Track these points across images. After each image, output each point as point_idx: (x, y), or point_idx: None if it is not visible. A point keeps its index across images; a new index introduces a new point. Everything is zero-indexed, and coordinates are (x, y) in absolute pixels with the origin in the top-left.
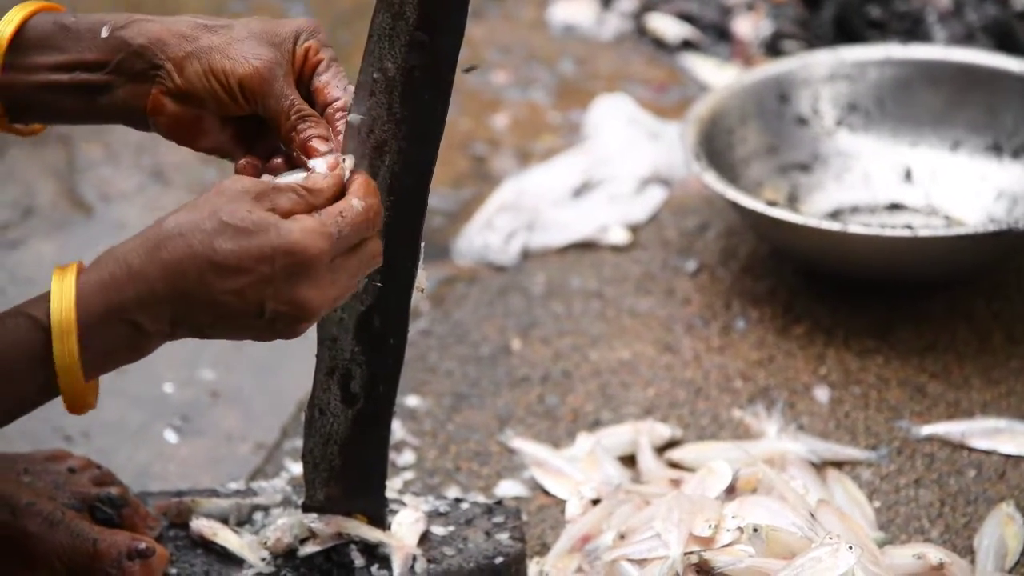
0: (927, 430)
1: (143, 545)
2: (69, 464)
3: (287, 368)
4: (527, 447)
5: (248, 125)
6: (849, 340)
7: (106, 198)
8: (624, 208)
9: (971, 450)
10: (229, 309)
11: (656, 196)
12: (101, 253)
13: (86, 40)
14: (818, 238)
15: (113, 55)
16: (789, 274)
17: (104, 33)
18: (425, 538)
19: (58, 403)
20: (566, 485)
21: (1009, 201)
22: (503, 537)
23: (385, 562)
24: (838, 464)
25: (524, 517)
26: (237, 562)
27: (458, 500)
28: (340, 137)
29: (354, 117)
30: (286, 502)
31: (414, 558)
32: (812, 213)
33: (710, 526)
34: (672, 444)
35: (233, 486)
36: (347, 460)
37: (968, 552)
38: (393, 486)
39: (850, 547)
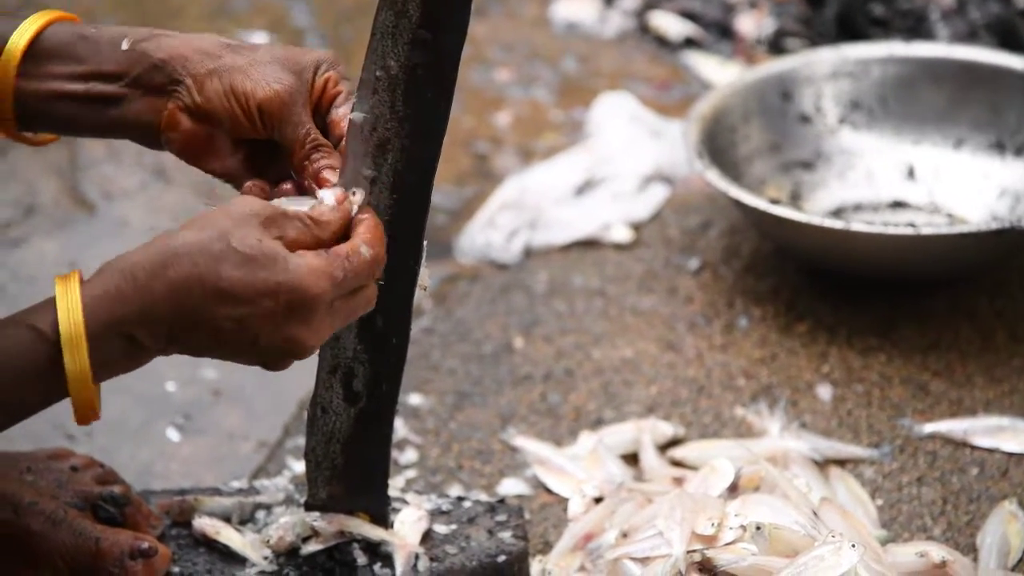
0: (930, 428)
1: (145, 544)
2: (72, 463)
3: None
4: (529, 445)
5: (259, 151)
6: (852, 338)
7: (108, 196)
8: (626, 206)
9: (974, 448)
10: (225, 335)
11: (658, 194)
12: (105, 263)
13: (105, 51)
14: (821, 236)
15: (132, 68)
16: (792, 272)
17: (124, 45)
18: (427, 536)
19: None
20: (569, 483)
21: (1012, 199)
22: (505, 535)
23: (387, 560)
24: (841, 462)
25: (527, 515)
26: (239, 561)
27: (460, 498)
28: None
29: (357, 115)
30: (288, 500)
31: (416, 556)
32: (815, 211)
33: (713, 524)
34: (674, 442)
35: (235, 484)
36: (349, 458)
37: (971, 550)
38: (395, 484)
39: (853, 545)
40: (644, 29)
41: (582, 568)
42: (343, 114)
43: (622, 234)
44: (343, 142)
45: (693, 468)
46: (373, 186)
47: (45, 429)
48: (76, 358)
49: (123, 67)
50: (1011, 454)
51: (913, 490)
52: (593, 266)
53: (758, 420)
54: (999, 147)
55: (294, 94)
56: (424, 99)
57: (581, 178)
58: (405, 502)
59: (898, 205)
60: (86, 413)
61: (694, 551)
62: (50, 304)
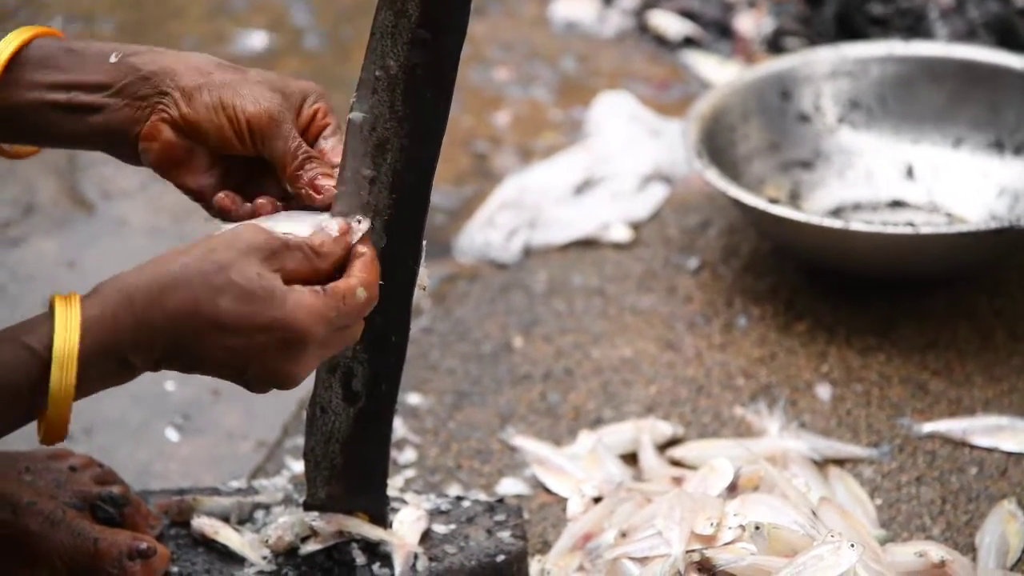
0: (929, 427)
1: (144, 544)
2: (70, 463)
3: None
4: (529, 445)
5: (233, 170)
6: (851, 337)
7: (107, 196)
8: (626, 205)
9: (973, 447)
10: (216, 361)
11: (658, 193)
12: (101, 282)
13: (91, 63)
14: (820, 235)
15: (118, 79)
16: (791, 271)
17: (113, 58)
18: (426, 536)
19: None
20: (568, 483)
21: (1011, 198)
22: (504, 535)
23: (386, 560)
24: (840, 462)
25: (525, 515)
26: (238, 560)
27: (459, 498)
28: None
29: (356, 115)
30: (287, 500)
31: (415, 556)
32: (814, 210)
33: (712, 524)
34: (674, 442)
35: (234, 484)
36: (348, 458)
37: (970, 550)
38: (394, 484)
39: (852, 545)
40: (643, 28)
41: (581, 568)
42: (332, 145)
43: (621, 233)
44: (335, 169)
45: (692, 468)
46: (372, 186)
47: None
48: (63, 377)
49: (109, 78)
50: (1010, 453)
51: (912, 489)
52: (592, 265)
53: (757, 420)
54: (998, 146)
55: (283, 112)
56: (423, 99)
57: (580, 177)
58: (404, 502)
59: (897, 204)
60: (58, 431)
61: (693, 551)
62: (43, 322)
